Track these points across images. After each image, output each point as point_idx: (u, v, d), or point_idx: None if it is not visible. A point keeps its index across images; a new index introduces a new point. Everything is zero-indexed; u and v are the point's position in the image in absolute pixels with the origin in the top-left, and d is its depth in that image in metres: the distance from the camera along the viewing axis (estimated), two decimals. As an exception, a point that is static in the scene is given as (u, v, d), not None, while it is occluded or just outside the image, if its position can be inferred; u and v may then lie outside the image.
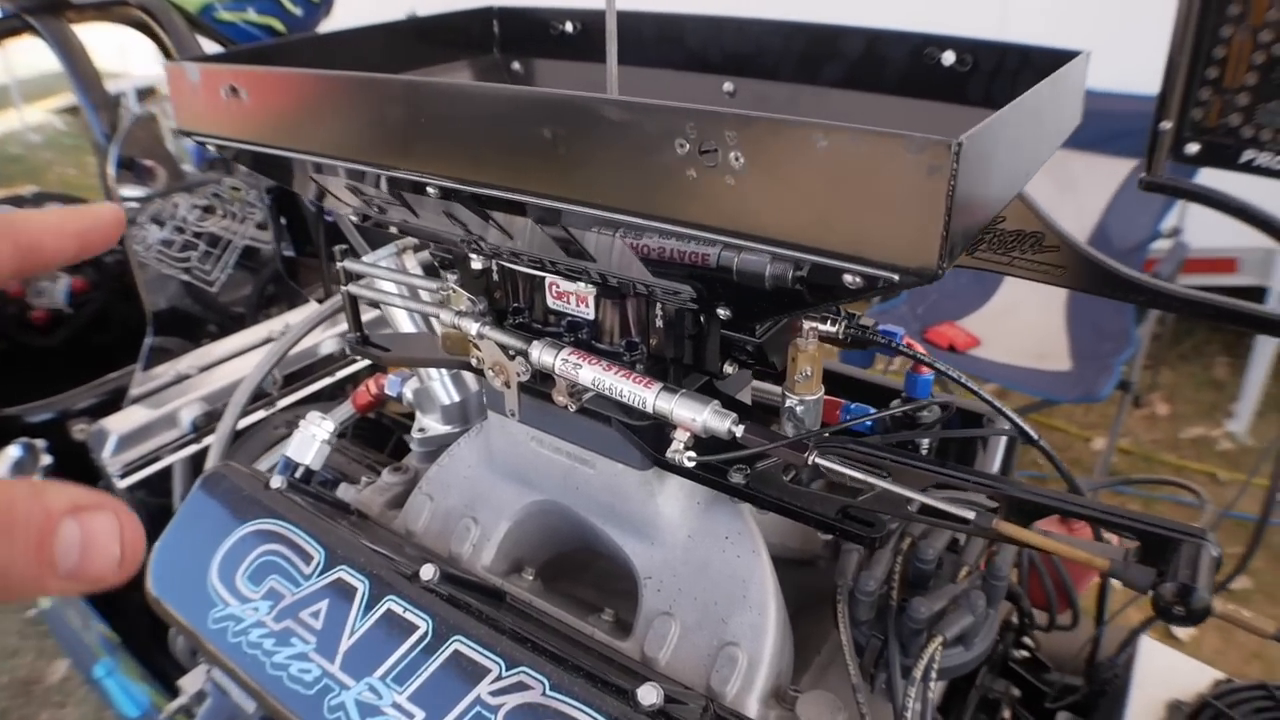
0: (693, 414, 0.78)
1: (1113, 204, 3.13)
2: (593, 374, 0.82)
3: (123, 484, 1.79)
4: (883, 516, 0.80)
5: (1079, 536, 0.90)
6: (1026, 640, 1.35)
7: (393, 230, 0.98)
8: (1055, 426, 3.58)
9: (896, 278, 0.55)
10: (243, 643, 0.96)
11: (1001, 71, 0.84)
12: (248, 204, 2.11)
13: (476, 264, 0.91)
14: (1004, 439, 1.22)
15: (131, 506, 1.75)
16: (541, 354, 0.85)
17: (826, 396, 1.09)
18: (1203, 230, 3.22)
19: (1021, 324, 3.20)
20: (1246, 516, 2.49)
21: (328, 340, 2.07)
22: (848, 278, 0.58)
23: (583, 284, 0.84)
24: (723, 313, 0.73)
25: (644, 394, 0.79)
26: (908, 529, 1.00)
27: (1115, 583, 0.72)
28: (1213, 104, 0.74)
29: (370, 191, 0.85)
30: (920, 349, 1.03)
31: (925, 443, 1.05)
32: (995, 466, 1.24)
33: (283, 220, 2.22)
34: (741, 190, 0.57)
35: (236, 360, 2.04)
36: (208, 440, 1.89)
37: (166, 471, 1.84)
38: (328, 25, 2.35)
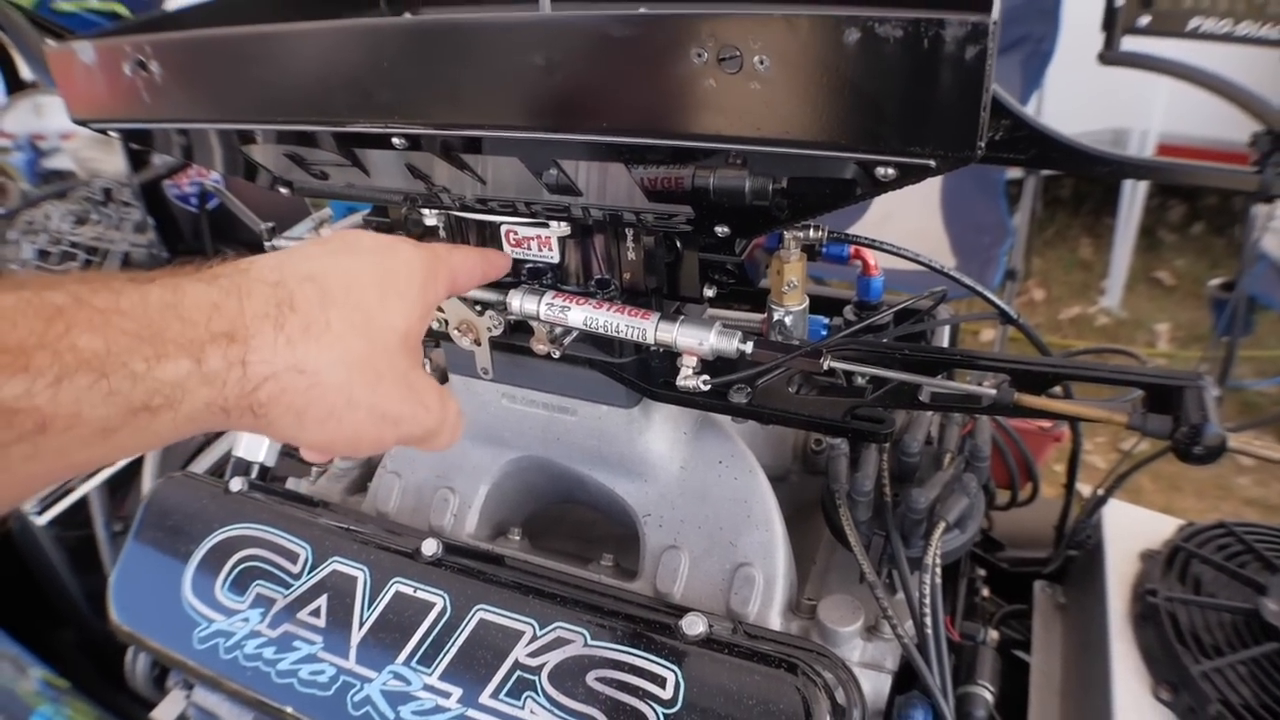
0: (699, 338, 0.77)
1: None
2: (584, 314, 0.79)
3: (41, 520, 1.67)
4: (888, 413, 0.81)
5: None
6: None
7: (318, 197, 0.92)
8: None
9: (934, 163, 0.54)
10: (238, 657, 0.91)
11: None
12: (124, 205, 1.97)
13: (430, 220, 0.87)
14: (947, 331, 1.24)
15: (55, 544, 1.65)
16: (523, 301, 0.82)
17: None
18: (1059, 117, 3.34)
19: (901, 230, 3.27)
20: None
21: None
22: (881, 170, 0.57)
23: (555, 225, 0.81)
24: (721, 230, 0.72)
25: (643, 325, 0.77)
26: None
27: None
28: (1160, -22, 0.77)
29: (313, 156, 0.80)
30: (867, 254, 1.04)
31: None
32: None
33: (152, 221, 2.09)
34: (767, 95, 0.54)
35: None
36: (122, 461, 1.79)
37: (82, 502, 1.73)
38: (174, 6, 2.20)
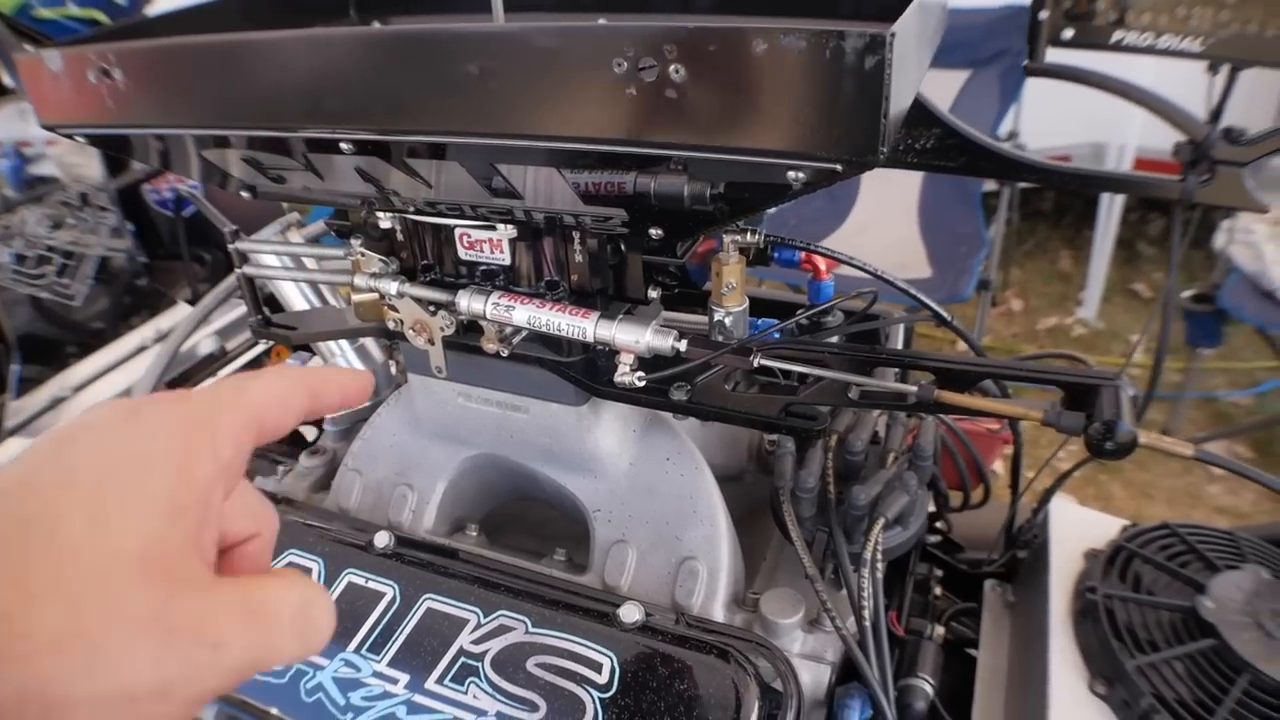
0: (635, 336, 0.80)
1: (951, 113, 3.26)
2: (527, 313, 0.82)
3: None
4: (822, 409, 0.84)
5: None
6: (939, 525, 1.43)
7: (273, 203, 0.95)
8: (921, 333, 3.75)
9: (840, 168, 0.57)
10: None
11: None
12: (99, 210, 2.00)
13: (385, 223, 0.90)
14: (901, 331, 1.27)
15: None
16: (470, 301, 0.85)
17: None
18: (1037, 132, 3.40)
19: (879, 238, 3.32)
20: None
21: (205, 339, 1.99)
22: (791, 174, 0.60)
23: (502, 228, 0.84)
24: (654, 233, 0.75)
25: (583, 324, 0.81)
26: (832, 427, 1.05)
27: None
28: (1082, -9, 0.81)
29: (270, 160, 0.83)
30: (818, 259, 1.07)
31: (835, 339, 1.10)
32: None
33: (131, 226, 2.12)
34: (684, 103, 0.58)
35: (112, 375, 1.94)
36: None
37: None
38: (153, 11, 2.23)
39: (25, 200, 1.93)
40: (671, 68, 0.57)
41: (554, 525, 1.18)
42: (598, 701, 0.75)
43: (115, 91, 0.79)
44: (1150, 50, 0.82)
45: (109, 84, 0.79)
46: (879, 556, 0.94)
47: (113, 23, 1.88)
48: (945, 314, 0.98)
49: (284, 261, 1.08)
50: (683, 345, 0.79)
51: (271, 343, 1.58)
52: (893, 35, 0.52)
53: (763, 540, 1.11)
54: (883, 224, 3.35)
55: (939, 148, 0.85)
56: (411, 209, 0.84)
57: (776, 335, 1.07)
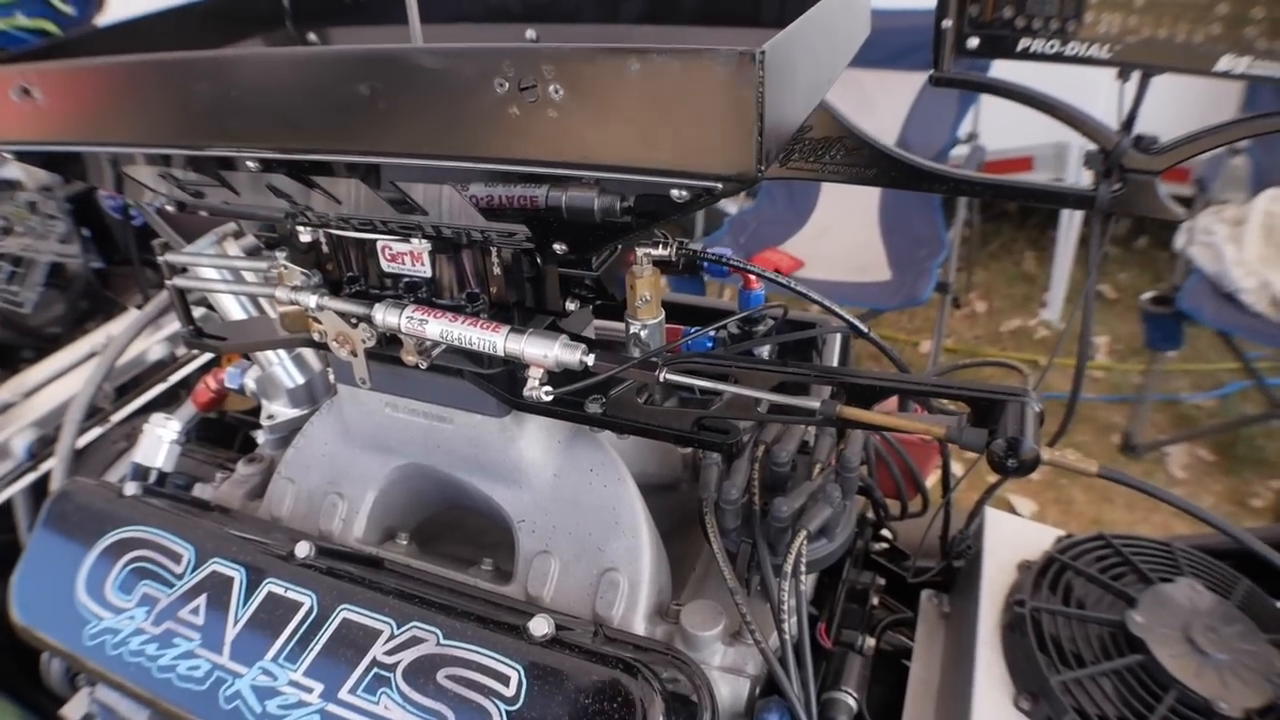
0: (543, 350, 0.81)
1: (910, 116, 3.29)
2: (439, 327, 0.83)
3: (-37, 524, 1.69)
4: (735, 422, 0.85)
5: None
6: (884, 532, 1.44)
7: (205, 216, 0.96)
8: (884, 335, 3.77)
9: (719, 186, 0.59)
10: (124, 653, 0.94)
11: (788, -6, 0.89)
12: (48, 217, 1.99)
13: (305, 236, 0.91)
14: (839, 341, 1.28)
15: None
16: (385, 315, 0.86)
17: (668, 324, 1.13)
18: (998, 133, 3.43)
19: (839, 241, 3.35)
20: (1060, 396, 2.71)
21: (155, 346, 1.99)
22: (675, 192, 0.61)
23: (416, 241, 0.85)
24: (559, 248, 0.76)
25: (493, 338, 0.81)
26: (761, 437, 1.05)
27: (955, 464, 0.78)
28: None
29: (184, 176, 0.83)
30: (751, 264, 1.08)
31: (765, 351, 1.11)
32: (835, 362, 1.31)
33: (85, 232, 2.11)
34: (564, 122, 0.59)
35: (62, 380, 1.94)
36: (46, 465, 1.81)
37: (6, 506, 1.74)
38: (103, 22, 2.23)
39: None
40: (551, 87, 0.58)
41: (488, 534, 1.18)
42: (504, 714, 0.76)
43: (37, 110, 0.80)
44: (1058, 58, 0.82)
45: (30, 103, 0.80)
46: (801, 569, 0.94)
47: (60, 33, 1.88)
48: (862, 326, 0.99)
49: (216, 272, 1.08)
50: (590, 359, 0.80)
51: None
52: (763, 54, 0.53)
53: (694, 550, 1.12)
54: (844, 226, 3.37)
55: (849, 159, 0.86)
56: (324, 223, 0.85)
57: (708, 344, 1.08)
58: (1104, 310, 3.89)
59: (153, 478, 1.14)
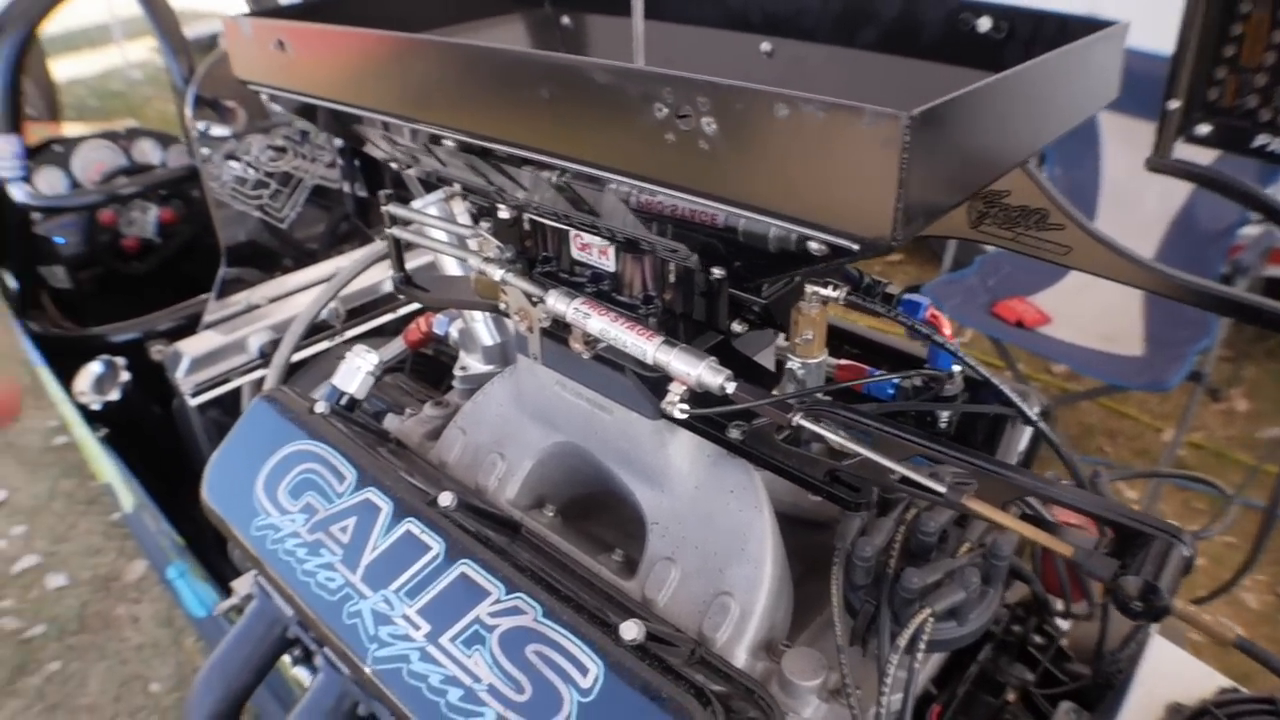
0: (688, 368, 0.82)
1: (1200, 187, 3.03)
2: (600, 324, 0.86)
3: (194, 402, 1.90)
4: (869, 483, 0.83)
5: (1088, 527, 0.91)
6: (1047, 628, 1.35)
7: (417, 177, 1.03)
8: (1127, 414, 3.51)
9: (856, 247, 0.57)
10: (279, 550, 1.04)
11: (1038, 40, 0.84)
12: (318, 145, 2.19)
13: (504, 214, 0.96)
14: (1028, 435, 1.21)
15: (203, 423, 1.86)
16: (556, 302, 0.89)
17: (851, 362, 1.11)
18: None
19: (1095, 303, 3.13)
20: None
21: (389, 279, 2.15)
22: (813, 245, 0.60)
23: (601, 237, 0.88)
24: (716, 272, 0.77)
25: (644, 346, 0.83)
26: (914, 500, 1.02)
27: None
28: (1228, 83, 0.73)
29: (401, 141, 0.90)
30: (944, 320, 1.04)
31: (945, 416, 1.07)
32: (1023, 447, 1.24)
33: (356, 162, 2.30)
34: (713, 154, 0.60)
35: (306, 293, 2.13)
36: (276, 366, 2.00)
37: (236, 392, 1.94)
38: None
39: (255, 130, 2.13)
40: (704, 120, 0.59)
41: (632, 524, 1.21)
42: (575, 703, 0.78)
43: (286, 62, 0.89)
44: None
45: (282, 55, 0.89)
46: (920, 645, 0.91)
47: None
48: (1043, 426, 0.93)
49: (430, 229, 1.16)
50: (731, 387, 0.80)
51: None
52: (911, 119, 0.51)
53: (826, 597, 1.09)
54: (1104, 289, 3.12)
55: (1047, 235, 0.81)
56: (520, 206, 0.89)
57: (889, 391, 1.06)
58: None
59: (344, 401, 1.24)
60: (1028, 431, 1.24)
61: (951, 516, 1.03)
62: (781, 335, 0.99)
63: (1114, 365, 2.84)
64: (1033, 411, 1.00)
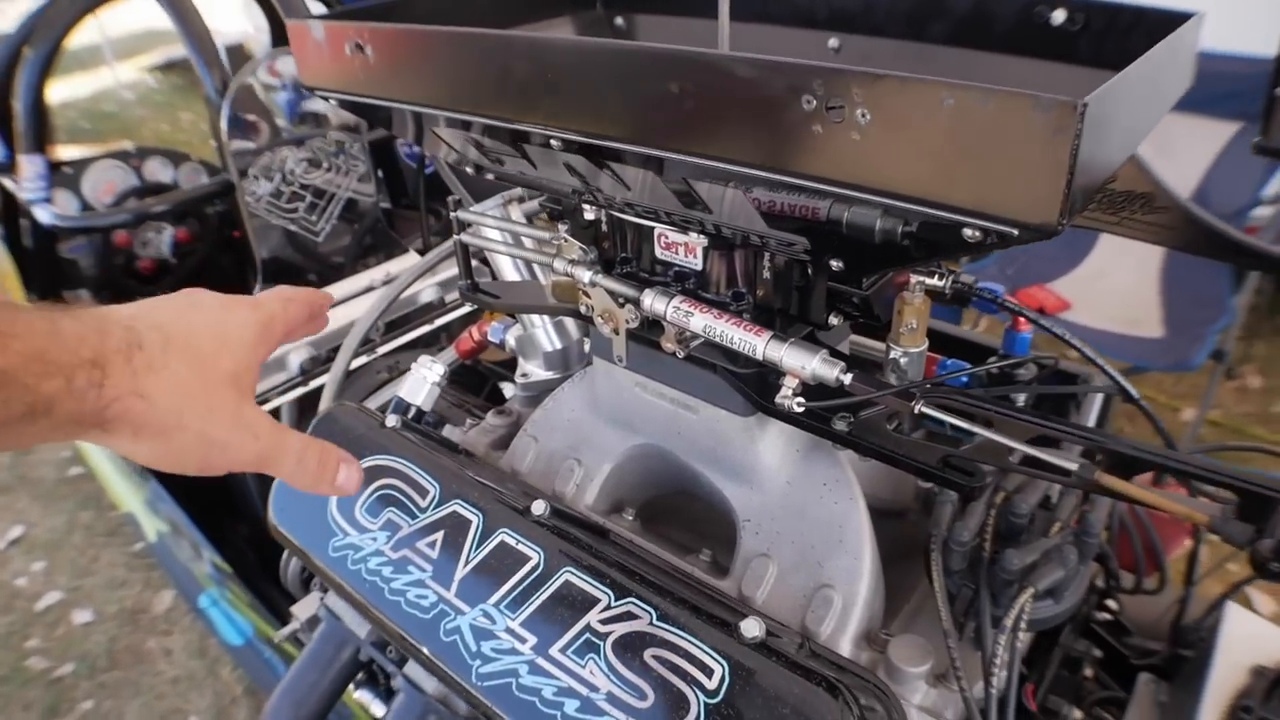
0: (802, 361, 0.81)
1: (1214, 168, 3.04)
2: (704, 321, 0.85)
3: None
4: (983, 466, 0.83)
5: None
6: (1110, 603, 1.36)
7: (491, 180, 1.01)
8: (1144, 395, 3.51)
9: (1016, 232, 0.57)
10: (362, 570, 1.02)
11: (1111, 32, 0.84)
12: (352, 157, 2.18)
13: (588, 214, 0.95)
14: (1100, 398, 1.22)
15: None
16: (654, 302, 0.88)
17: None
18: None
19: (1113, 289, 3.14)
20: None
21: (427, 289, 2.14)
22: (967, 231, 0.60)
23: (693, 235, 0.87)
24: (834, 264, 0.76)
25: (754, 341, 0.83)
26: (1002, 484, 1.02)
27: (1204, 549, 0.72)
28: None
29: (492, 145, 0.89)
30: (1025, 307, 1.04)
31: (1021, 398, 1.07)
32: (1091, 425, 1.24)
33: (379, 174, 2.29)
34: (866, 145, 0.59)
35: (340, 307, 2.12)
36: (315, 383, 1.98)
37: (275, 413, 1.93)
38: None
39: (287, 141, 2.12)
40: (859, 111, 0.58)
41: (708, 525, 1.20)
42: (703, 705, 0.78)
43: (365, 65, 0.88)
44: None
45: (361, 58, 0.87)
46: (1021, 626, 0.91)
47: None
48: (1134, 392, 0.93)
49: (500, 234, 1.15)
50: (847, 379, 0.80)
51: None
52: (1085, 106, 0.51)
53: (910, 583, 1.09)
54: (1121, 274, 3.17)
55: (1152, 216, 0.81)
56: (610, 205, 0.88)
57: (964, 380, 1.05)
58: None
59: (412, 413, 1.23)
60: (1094, 411, 1.24)
61: (1040, 498, 1.03)
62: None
63: (1138, 348, 2.86)
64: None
